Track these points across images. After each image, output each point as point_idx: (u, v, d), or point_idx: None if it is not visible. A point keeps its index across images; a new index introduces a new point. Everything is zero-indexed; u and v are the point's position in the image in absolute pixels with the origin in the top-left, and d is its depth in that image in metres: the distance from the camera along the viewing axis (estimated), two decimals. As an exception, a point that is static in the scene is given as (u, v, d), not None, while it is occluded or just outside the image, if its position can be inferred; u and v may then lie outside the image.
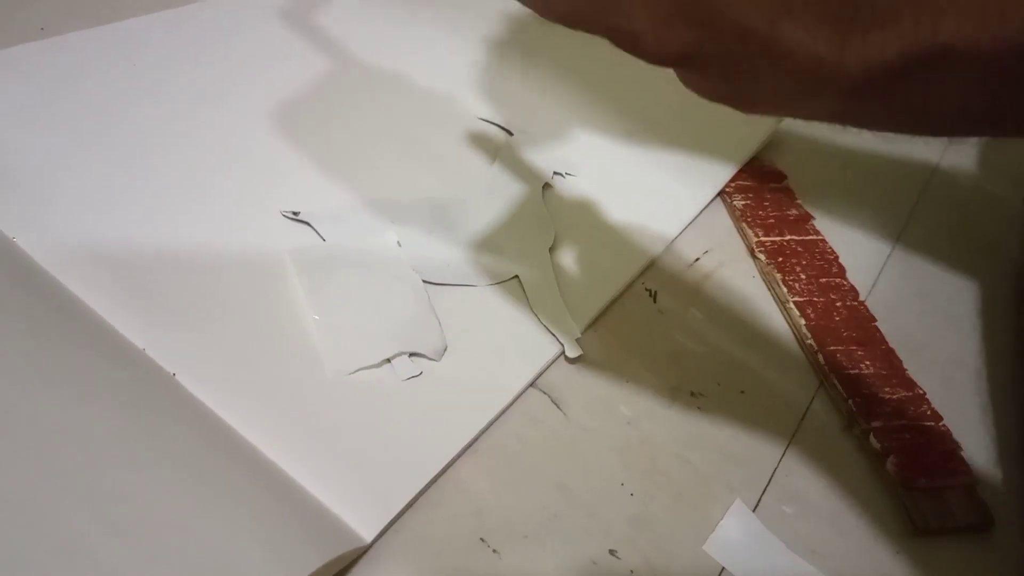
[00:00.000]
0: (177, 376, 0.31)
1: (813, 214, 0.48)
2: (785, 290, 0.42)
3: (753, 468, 0.35)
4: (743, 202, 0.47)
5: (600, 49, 0.58)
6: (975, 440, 0.39)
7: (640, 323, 0.40)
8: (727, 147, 0.50)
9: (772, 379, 0.39)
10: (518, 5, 0.22)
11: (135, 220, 0.36)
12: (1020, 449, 0.39)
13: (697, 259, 0.44)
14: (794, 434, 0.37)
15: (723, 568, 0.31)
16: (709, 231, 0.46)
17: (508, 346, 0.36)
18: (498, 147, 0.46)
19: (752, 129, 0.52)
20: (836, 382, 0.38)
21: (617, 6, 0.19)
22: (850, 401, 0.37)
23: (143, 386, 0.29)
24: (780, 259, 0.44)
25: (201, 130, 0.41)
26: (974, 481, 0.36)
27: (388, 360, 0.33)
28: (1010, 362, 0.44)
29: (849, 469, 0.36)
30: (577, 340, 0.37)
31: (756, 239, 0.45)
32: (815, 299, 0.42)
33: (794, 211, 0.48)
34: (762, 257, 0.44)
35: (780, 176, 0.50)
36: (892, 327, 0.42)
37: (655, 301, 0.41)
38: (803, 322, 0.41)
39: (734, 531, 0.32)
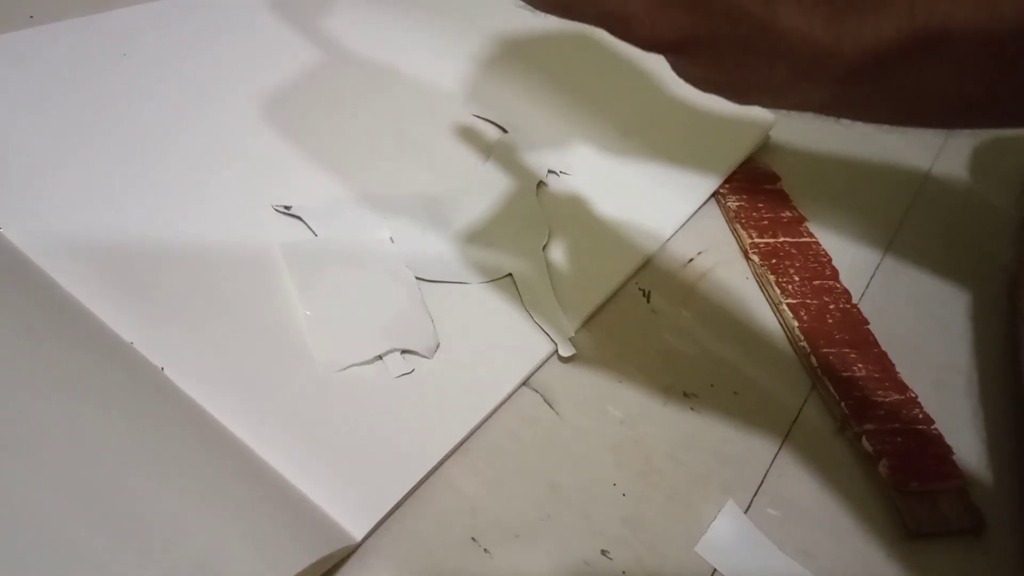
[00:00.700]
0: (165, 370, 0.30)
1: (807, 216, 0.48)
2: (778, 292, 0.42)
3: (746, 469, 0.35)
4: (737, 203, 0.47)
5: (597, 48, 0.58)
6: (967, 443, 0.39)
7: (633, 323, 0.40)
8: (722, 148, 0.50)
9: (765, 381, 0.39)
10: (515, 2, 0.22)
11: (125, 213, 0.35)
12: (1012, 452, 0.39)
13: (691, 260, 0.44)
14: (787, 436, 0.37)
15: (715, 569, 0.31)
16: (703, 232, 0.46)
17: (501, 344, 0.36)
18: (492, 144, 0.45)
19: (747, 130, 0.52)
20: (829, 384, 0.38)
21: None
22: (843, 403, 0.37)
23: (131, 380, 0.29)
24: (774, 261, 0.44)
25: (192, 123, 0.40)
26: (966, 484, 0.36)
27: (380, 357, 0.33)
28: (1001, 366, 0.44)
29: (841, 471, 0.36)
30: (570, 339, 0.36)
31: (750, 240, 0.45)
32: (808, 301, 0.42)
33: (788, 213, 0.48)
34: (756, 259, 0.44)
35: (774, 178, 0.50)
36: (885, 330, 0.42)
37: (648, 301, 0.41)
38: (796, 324, 0.41)
39: (726, 532, 0.32)
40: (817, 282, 0.43)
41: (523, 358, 0.35)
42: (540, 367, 0.36)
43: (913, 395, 0.39)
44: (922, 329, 0.45)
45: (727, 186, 0.48)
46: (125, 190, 0.36)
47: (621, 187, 0.46)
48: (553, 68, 0.53)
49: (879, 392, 0.38)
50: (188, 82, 0.43)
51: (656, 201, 0.45)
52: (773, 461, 0.36)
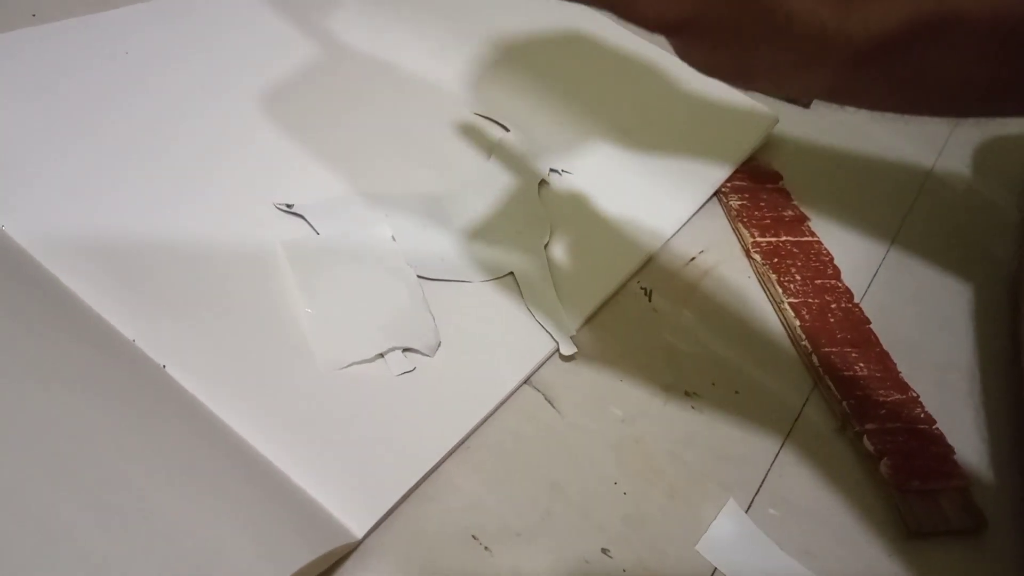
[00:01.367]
0: (167, 368, 0.30)
1: (809, 215, 0.48)
2: (780, 291, 0.42)
3: (747, 468, 0.35)
4: (739, 202, 0.47)
5: (599, 46, 0.58)
6: (968, 443, 0.39)
7: (635, 322, 0.40)
8: (724, 147, 0.50)
9: (766, 380, 0.39)
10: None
11: (126, 210, 0.35)
12: (1013, 452, 0.39)
13: (692, 258, 0.44)
14: (788, 435, 0.37)
15: (715, 568, 0.31)
16: (705, 231, 0.46)
17: (502, 343, 0.36)
18: (494, 143, 0.45)
19: (749, 129, 0.52)
20: (830, 383, 0.38)
21: None
22: (844, 403, 0.37)
23: (132, 377, 0.29)
24: (775, 260, 0.44)
25: (194, 120, 0.40)
26: (967, 484, 0.36)
27: (381, 355, 0.33)
28: (1004, 366, 0.44)
29: (843, 471, 0.36)
30: (571, 337, 0.36)
31: (752, 239, 0.45)
32: (810, 300, 0.42)
33: (790, 212, 0.48)
34: (757, 257, 0.44)
35: (776, 177, 0.50)
36: (886, 329, 0.42)
37: (650, 300, 0.41)
38: (798, 323, 0.41)
39: (727, 531, 0.32)
40: (819, 281, 0.43)
41: (524, 356, 0.35)
42: (541, 365, 0.36)
43: (915, 394, 0.39)
44: (924, 328, 0.45)
45: (729, 185, 0.48)
46: (127, 188, 0.36)
47: (623, 186, 0.45)
48: (555, 67, 0.53)
49: (880, 391, 0.38)
50: (190, 80, 0.43)
51: (658, 200, 0.45)
52: (774, 460, 0.36)
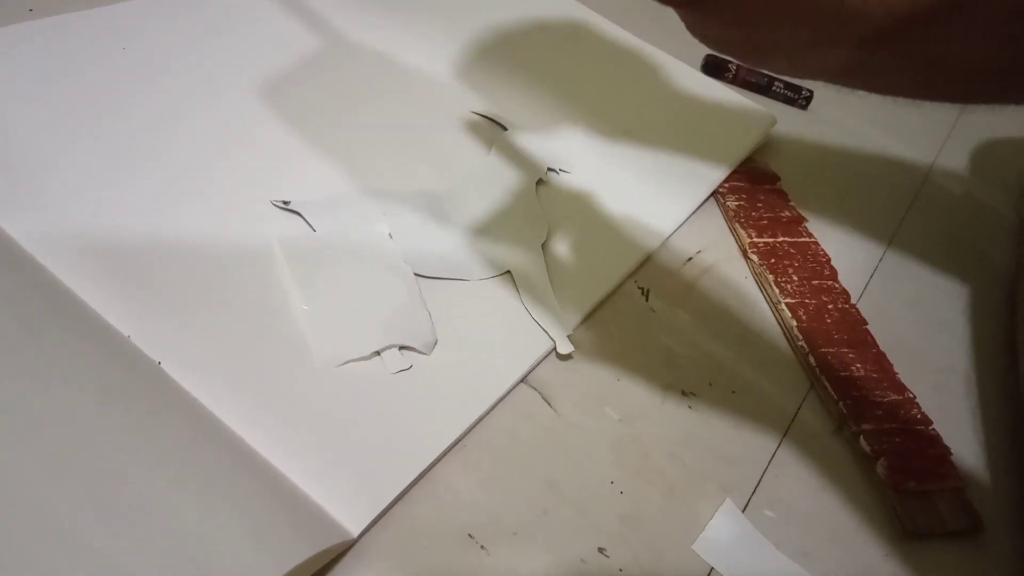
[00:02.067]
0: (163, 364, 0.30)
1: (806, 216, 0.48)
2: (777, 291, 0.42)
3: (743, 468, 0.35)
4: (736, 203, 0.47)
5: (598, 45, 0.58)
6: (965, 444, 0.39)
7: (632, 321, 0.39)
8: (721, 148, 0.50)
9: (763, 380, 0.39)
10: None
11: (123, 206, 0.35)
12: (1009, 453, 0.39)
13: (690, 258, 0.44)
14: (784, 435, 0.37)
15: (712, 568, 0.31)
16: (702, 231, 0.46)
17: (499, 341, 0.36)
18: (492, 142, 0.45)
19: (747, 130, 0.52)
20: (827, 384, 0.38)
21: None
22: (841, 403, 0.37)
23: (128, 374, 0.29)
24: (772, 260, 0.44)
25: (191, 117, 0.40)
26: (964, 485, 0.36)
27: (378, 353, 0.33)
28: (1000, 368, 0.44)
29: (839, 471, 0.36)
30: (569, 336, 0.36)
31: (749, 240, 0.45)
32: (807, 301, 0.42)
33: (787, 213, 0.48)
34: (754, 258, 0.44)
35: (774, 178, 0.50)
36: (883, 330, 0.42)
37: (647, 300, 0.41)
38: (794, 324, 0.41)
39: (724, 531, 0.32)
40: (816, 282, 0.43)
41: (521, 355, 0.35)
42: (538, 364, 0.36)
43: (911, 395, 0.39)
44: (921, 330, 0.45)
45: (726, 185, 0.48)
46: (123, 183, 0.36)
47: (621, 185, 0.45)
48: (554, 67, 0.53)
49: (877, 392, 0.38)
50: (187, 76, 0.42)
51: (655, 200, 0.45)
52: (771, 460, 0.35)
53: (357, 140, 0.43)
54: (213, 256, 0.35)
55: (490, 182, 0.43)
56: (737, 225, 0.46)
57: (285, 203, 0.38)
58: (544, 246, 0.40)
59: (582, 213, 0.43)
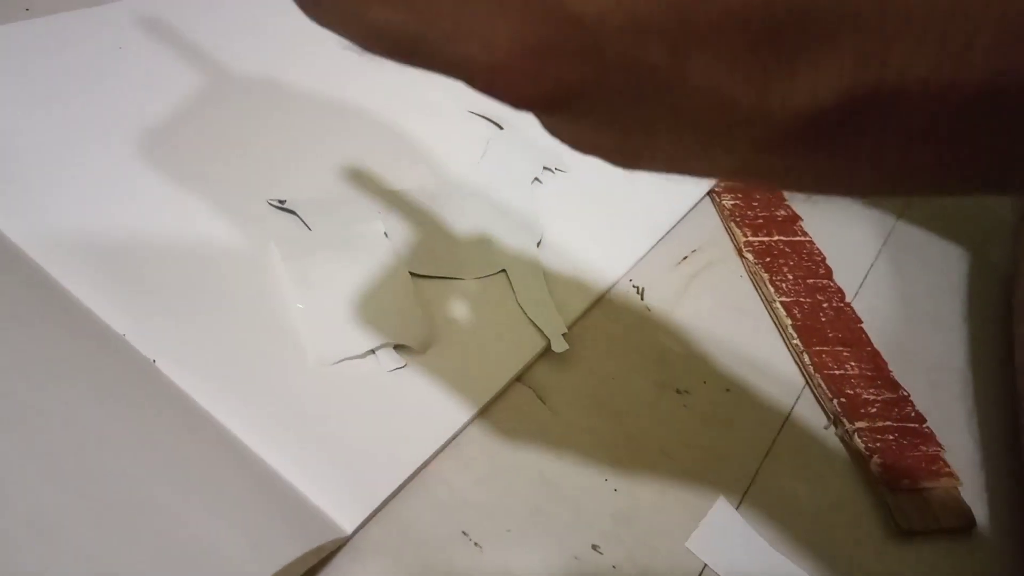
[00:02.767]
0: (157, 363, 0.30)
1: (801, 215, 0.48)
2: (772, 290, 0.42)
3: (737, 466, 0.35)
4: (732, 202, 0.47)
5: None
6: (959, 442, 0.39)
7: (627, 320, 0.40)
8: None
9: (757, 378, 0.39)
10: (341, 45, 0.18)
11: (117, 205, 0.35)
12: (1003, 452, 0.39)
13: (685, 257, 0.44)
14: (779, 433, 0.37)
15: (705, 565, 0.31)
16: (697, 230, 0.46)
17: (494, 340, 0.36)
18: (488, 141, 0.45)
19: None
20: (821, 382, 0.38)
21: (462, 29, 0.14)
22: (835, 401, 0.37)
23: (123, 372, 0.29)
24: (768, 259, 0.44)
25: (186, 116, 0.40)
26: (957, 483, 0.36)
27: (372, 351, 0.33)
28: (995, 366, 0.44)
29: (833, 469, 0.36)
30: (563, 335, 0.36)
31: (744, 239, 0.45)
32: (802, 300, 0.42)
33: (782, 212, 0.48)
34: (750, 257, 0.44)
35: (769, 177, 0.50)
36: (878, 329, 0.42)
37: (642, 298, 0.41)
38: (789, 322, 0.41)
39: (717, 529, 0.32)
40: (811, 281, 0.44)
41: (516, 354, 0.35)
42: (533, 363, 0.36)
43: (905, 393, 0.39)
44: (915, 328, 0.45)
45: (722, 184, 0.48)
46: (118, 183, 0.36)
47: (615, 184, 0.46)
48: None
49: (871, 390, 0.38)
50: (183, 75, 0.42)
51: (651, 199, 0.46)
52: (764, 458, 0.36)
53: (352, 139, 0.43)
54: (208, 254, 0.35)
55: (485, 181, 0.43)
56: (732, 224, 0.46)
57: (281, 202, 0.38)
58: (539, 245, 0.40)
59: (577, 212, 0.43)
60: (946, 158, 0.13)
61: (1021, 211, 0.53)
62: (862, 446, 0.36)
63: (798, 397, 0.39)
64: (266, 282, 0.34)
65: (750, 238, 0.45)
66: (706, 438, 0.35)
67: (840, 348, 0.40)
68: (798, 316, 0.41)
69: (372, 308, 0.35)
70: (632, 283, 0.41)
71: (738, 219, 0.46)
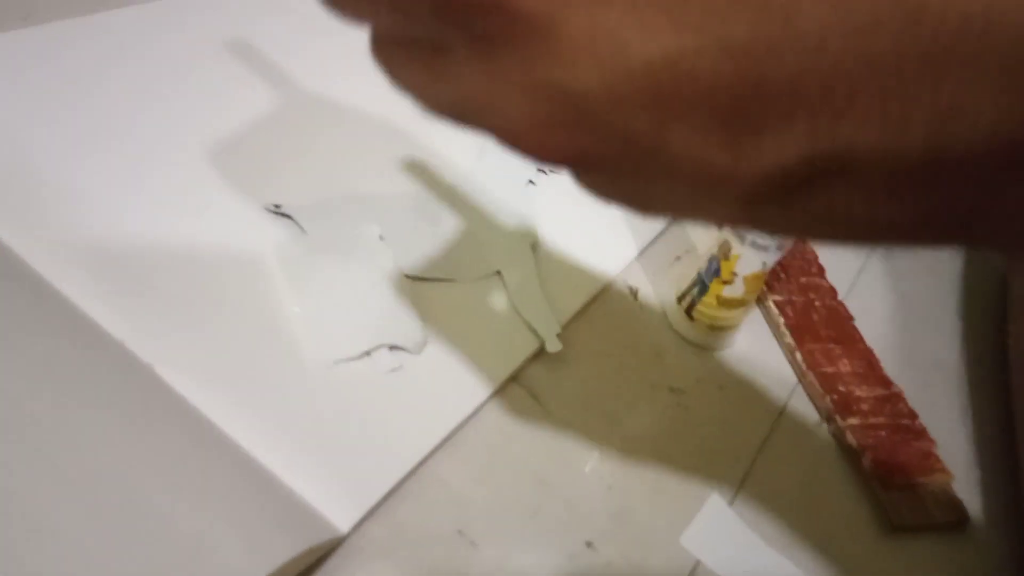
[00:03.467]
0: (154, 367, 0.30)
1: (794, 214, 0.48)
2: (764, 288, 0.43)
3: (731, 463, 0.35)
4: (725, 201, 0.48)
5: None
6: (951, 438, 0.39)
7: (621, 320, 0.40)
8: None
9: (750, 376, 0.39)
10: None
11: (116, 211, 0.36)
12: (995, 447, 0.40)
13: (678, 258, 0.44)
14: (771, 430, 0.37)
15: (699, 561, 0.31)
16: (690, 231, 0.46)
17: (488, 340, 0.36)
18: (482, 142, 0.46)
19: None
20: (813, 379, 0.39)
21: (491, 106, 0.16)
22: (827, 398, 0.38)
23: (121, 377, 0.29)
24: (761, 258, 0.44)
25: (184, 123, 0.41)
26: (950, 479, 0.36)
27: (368, 352, 0.33)
28: (987, 363, 0.44)
29: (825, 465, 0.37)
30: (558, 335, 0.37)
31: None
32: (794, 298, 0.43)
33: (775, 211, 0.48)
34: (743, 256, 0.44)
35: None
36: (870, 326, 0.42)
37: (636, 298, 0.41)
38: (782, 320, 0.41)
39: (711, 525, 0.33)
40: (803, 279, 0.44)
41: (510, 354, 0.36)
42: (528, 363, 0.36)
43: (897, 390, 0.39)
44: (907, 325, 0.45)
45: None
46: (116, 189, 0.37)
47: (610, 186, 0.46)
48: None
49: (864, 387, 0.39)
50: (181, 83, 0.43)
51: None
52: (758, 455, 0.36)
53: (347, 143, 0.43)
54: (205, 259, 0.35)
55: (480, 183, 0.43)
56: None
57: (277, 207, 0.38)
58: (533, 246, 0.41)
59: (571, 213, 0.44)
60: (909, 214, 0.15)
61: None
62: (855, 443, 0.36)
63: (791, 395, 0.39)
64: (263, 286, 0.35)
65: (743, 237, 0.45)
66: (699, 436, 0.36)
67: (832, 345, 0.40)
68: (790, 314, 0.42)
69: (367, 310, 0.35)
70: (626, 283, 0.42)
71: (731, 219, 0.46)
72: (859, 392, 0.38)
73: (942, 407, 0.41)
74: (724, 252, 0.36)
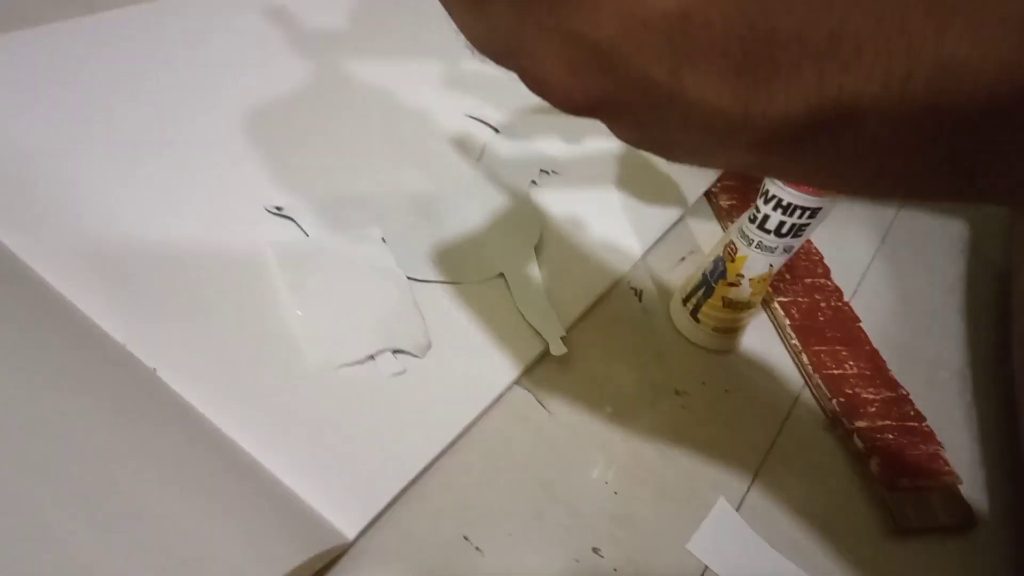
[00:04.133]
0: (158, 371, 0.30)
1: (798, 215, 0.48)
2: (770, 290, 0.43)
3: (737, 467, 0.35)
4: (729, 202, 0.47)
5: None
6: (958, 440, 0.39)
7: (625, 322, 0.40)
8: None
9: (756, 379, 0.39)
10: (462, 43, 0.21)
11: (116, 213, 0.35)
12: (1002, 449, 0.39)
13: (683, 258, 0.44)
14: (778, 433, 0.37)
15: (706, 567, 0.31)
16: (694, 231, 0.46)
17: (492, 344, 0.36)
18: (485, 144, 0.45)
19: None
20: (820, 382, 0.38)
21: (523, 47, 0.18)
22: (834, 401, 0.38)
23: (123, 381, 0.29)
24: (765, 259, 0.44)
25: (183, 124, 0.40)
26: (957, 481, 0.36)
27: (371, 356, 0.33)
28: (993, 364, 0.44)
29: (832, 469, 0.36)
30: (562, 338, 0.36)
31: (741, 239, 0.45)
32: (800, 299, 0.42)
33: (779, 212, 0.48)
34: (747, 257, 0.44)
35: (766, 177, 0.50)
36: (876, 328, 0.42)
37: (640, 300, 0.41)
38: (788, 322, 0.41)
39: (718, 530, 0.32)
40: (808, 280, 0.44)
41: (515, 357, 0.36)
42: (532, 366, 0.36)
43: (904, 392, 0.39)
44: (914, 326, 0.45)
45: (718, 185, 0.49)
46: (117, 191, 0.36)
47: (613, 186, 0.46)
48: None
49: (870, 389, 0.39)
50: (179, 84, 0.43)
51: (648, 200, 0.46)
52: (764, 459, 0.36)
53: (349, 144, 0.43)
54: (207, 262, 0.35)
55: (482, 185, 0.43)
56: (729, 224, 0.46)
57: (278, 208, 0.38)
58: (536, 248, 0.40)
59: (574, 215, 0.43)
60: (915, 166, 0.16)
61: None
62: (861, 445, 0.36)
63: (797, 397, 0.39)
64: (265, 289, 0.35)
65: (747, 238, 0.45)
66: (705, 439, 0.36)
67: (839, 347, 0.40)
68: (796, 316, 0.41)
69: (370, 313, 0.35)
70: (630, 285, 0.41)
71: (735, 219, 0.46)
72: (866, 394, 0.38)
73: (949, 409, 0.41)
74: (729, 254, 0.36)
